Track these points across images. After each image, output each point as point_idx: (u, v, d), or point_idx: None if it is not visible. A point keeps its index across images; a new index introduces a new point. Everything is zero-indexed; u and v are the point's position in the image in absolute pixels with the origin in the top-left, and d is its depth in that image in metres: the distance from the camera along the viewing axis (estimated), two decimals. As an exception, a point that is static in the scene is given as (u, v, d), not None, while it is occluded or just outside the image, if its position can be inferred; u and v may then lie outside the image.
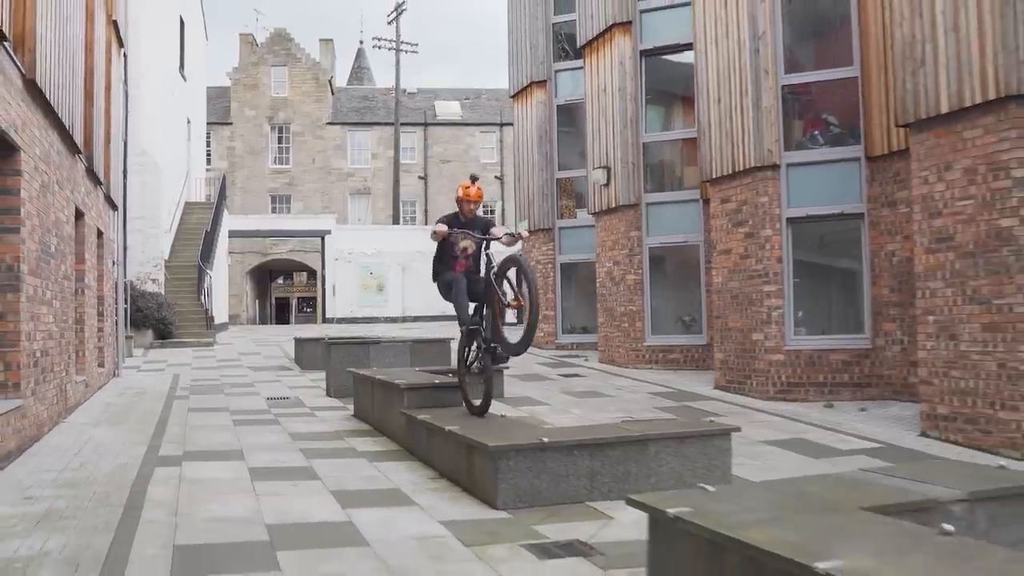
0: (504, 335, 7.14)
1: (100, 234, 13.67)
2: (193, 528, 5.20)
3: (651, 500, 3.60)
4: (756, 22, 11.71)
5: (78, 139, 10.53)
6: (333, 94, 50.84)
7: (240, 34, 52.14)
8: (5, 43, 6.89)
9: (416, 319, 35.84)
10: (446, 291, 7.55)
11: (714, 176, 12.55)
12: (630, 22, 15.32)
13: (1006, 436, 8.02)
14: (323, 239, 37.18)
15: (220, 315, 28.38)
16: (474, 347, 7.36)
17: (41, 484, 6.29)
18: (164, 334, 21.77)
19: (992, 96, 8.04)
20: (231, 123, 48.41)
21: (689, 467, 6.24)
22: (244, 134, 48.51)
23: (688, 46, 13.88)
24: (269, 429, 9.21)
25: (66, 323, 9.97)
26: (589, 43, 16.42)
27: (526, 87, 20.09)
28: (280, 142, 49.09)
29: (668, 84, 16.11)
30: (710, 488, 3.80)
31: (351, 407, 10.47)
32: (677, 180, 15.94)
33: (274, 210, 47.56)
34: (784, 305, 11.45)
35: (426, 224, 46.09)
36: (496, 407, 8.14)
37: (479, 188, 7.56)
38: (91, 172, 12.14)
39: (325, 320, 37.11)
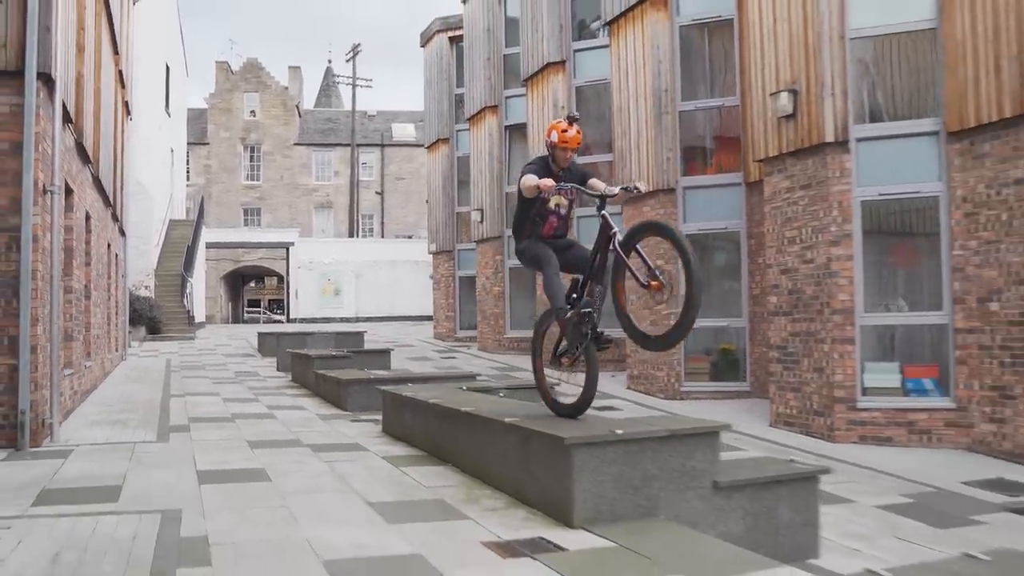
0: (636, 324, 5.53)
1: (116, 256, 19.46)
2: (195, 414, 11.02)
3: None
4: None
5: (110, 197, 16.34)
6: (300, 117, 56.60)
7: (216, 62, 57.84)
8: (89, 165, 12.76)
9: (368, 319, 41.73)
10: (531, 262, 6.05)
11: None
12: (496, 106, 21.31)
13: (659, 386, 14.08)
14: (287, 249, 43.04)
15: (199, 315, 34.17)
16: (577, 337, 5.68)
17: (112, 403, 12.10)
18: (154, 330, 27.49)
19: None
20: (208, 143, 54.05)
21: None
22: (219, 153, 54.19)
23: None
24: (235, 385, 15.01)
25: (105, 320, 15.81)
26: (472, 117, 22.43)
27: (435, 142, 26.21)
28: (252, 160, 54.79)
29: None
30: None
31: (290, 376, 16.32)
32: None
33: (246, 222, 53.29)
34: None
35: (383, 236, 52.19)
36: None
37: (579, 132, 5.81)
38: (114, 216, 17.95)
39: (290, 320, 42.94)
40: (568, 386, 6.13)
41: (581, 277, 5.75)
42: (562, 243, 6.00)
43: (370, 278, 42.89)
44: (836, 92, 10.74)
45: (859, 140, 10.73)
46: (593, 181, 5.82)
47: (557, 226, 6.00)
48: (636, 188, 5.74)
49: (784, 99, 11.05)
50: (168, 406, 11.57)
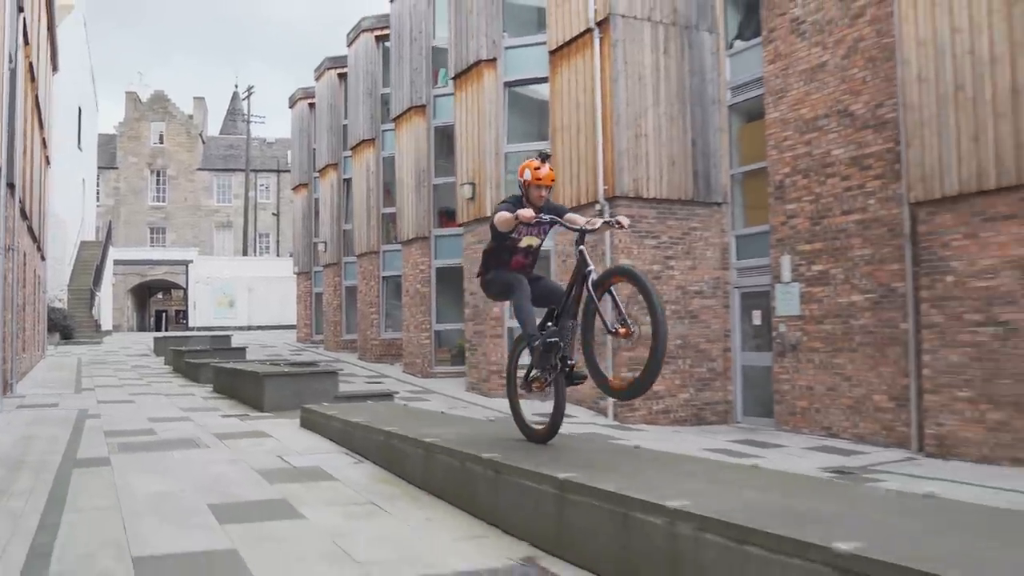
0: (600, 367, 5.42)
1: (38, 277, 25.61)
2: (98, 384, 17.43)
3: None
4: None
5: (37, 235, 22.58)
6: (204, 143, 62.48)
7: (126, 92, 63.15)
8: (26, 220, 19.11)
9: (259, 328, 47.93)
10: (500, 292, 5.92)
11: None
12: (423, 105, 26.52)
13: (418, 369, 20.92)
14: (187, 266, 49.08)
15: (106, 324, 40.08)
16: (545, 367, 5.54)
17: (42, 380, 18.45)
18: (67, 336, 33.36)
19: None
20: (117, 168, 59.56)
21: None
22: (128, 177, 59.77)
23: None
24: (129, 372, 21.37)
25: (32, 325, 22.09)
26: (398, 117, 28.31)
27: (297, 186, 32.84)
28: (158, 184, 60.48)
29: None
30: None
31: (172, 367, 22.71)
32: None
33: (152, 240, 58.97)
34: (379, 312, 24.27)
35: (278, 254, 58.38)
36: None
37: (552, 169, 5.67)
38: (38, 248, 24.17)
39: (189, 328, 48.90)
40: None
41: (555, 308, 5.62)
42: (529, 276, 5.79)
43: (261, 291, 49.18)
44: (494, 186, 17.77)
45: (509, 215, 17.75)
46: (571, 215, 5.63)
47: (524, 264, 5.81)
48: (618, 222, 5.47)
49: (467, 189, 18.05)
50: (80, 380, 17.97)
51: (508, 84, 18.43)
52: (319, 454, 7.79)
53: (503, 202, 5.81)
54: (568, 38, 16.48)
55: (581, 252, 5.39)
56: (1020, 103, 11.06)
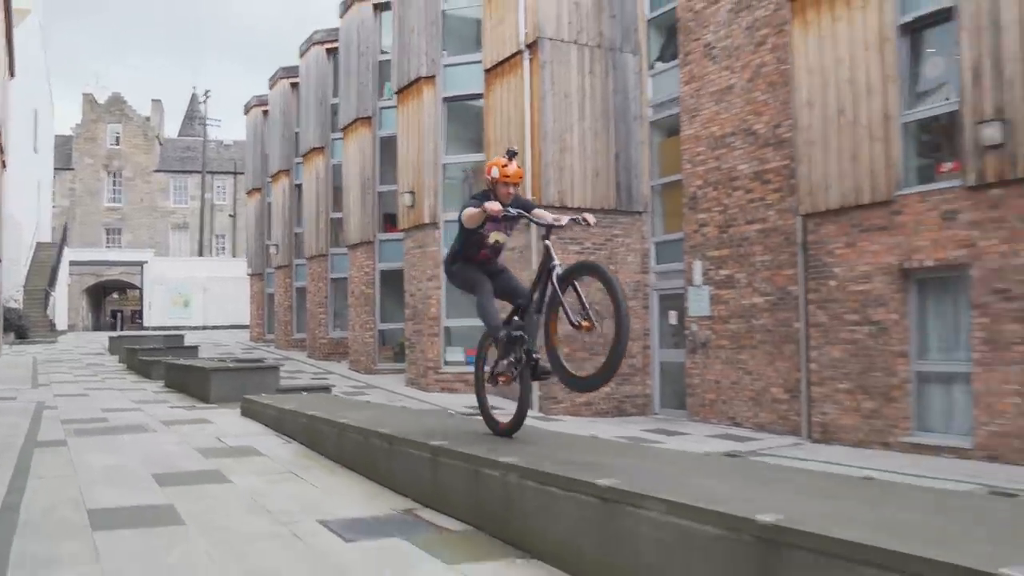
0: (565, 363, 5.44)
1: (-5, 279, 26.31)
2: (54, 380, 18.33)
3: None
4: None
5: (-5, 240, 23.32)
6: (161, 145, 62.95)
7: (83, 93, 63.40)
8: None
9: (214, 327, 48.61)
10: (463, 286, 6.05)
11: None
12: (369, 116, 28.25)
13: (364, 366, 22.01)
14: (143, 267, 49.65)
15: (61, 323, 40.64)
16: (510, 359, 5.68)
17: (1, 379, 19.29)
18: (22, 336, 33.95)
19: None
20: (73, 169, 59.88)
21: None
22: (84, 178, 60.11)
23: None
24: (86, 371, 22.19)
25: (-9, 324, 22.84)
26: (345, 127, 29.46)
27: (251, 190, 33.77)
28: (114, 185, 60.87)
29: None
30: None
31: (126, 365, 23.56)
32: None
33: (108, 241, 59.36)
34: (327, 312, 25.30)
35: (234, 255, 58.98)
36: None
37: (519, 167, 5.73)
38: (-4, 251, 24.90)
39: (144, 328, 49.47)
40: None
41: (520, 303, 5.71)
42: (493, 268, 5.90)
43: (216, 291, 49.88)
44: (432, 194, 18.92)
45: (447, 222, 18.89)
46: (538, 211, 5.67)
47: (488, 258, 5.87)
48: (585, 220, 5.51)
49: (408, 198, 19.18)
50: (37, 377, 18.84)
51: (447, 99, 19.63)
52: (253, 436, 8.88)
53: (472, 198, 5.84)
54: (501, 58, 17.69)
55: (547, 247, 5.46)
56: (890, 128, 12.43)
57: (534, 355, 5.56)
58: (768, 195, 14.83)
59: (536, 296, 5.56)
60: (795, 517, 3.09)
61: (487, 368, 6.13)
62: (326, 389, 13.82)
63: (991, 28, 11.17)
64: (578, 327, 5.17)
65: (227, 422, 10.27)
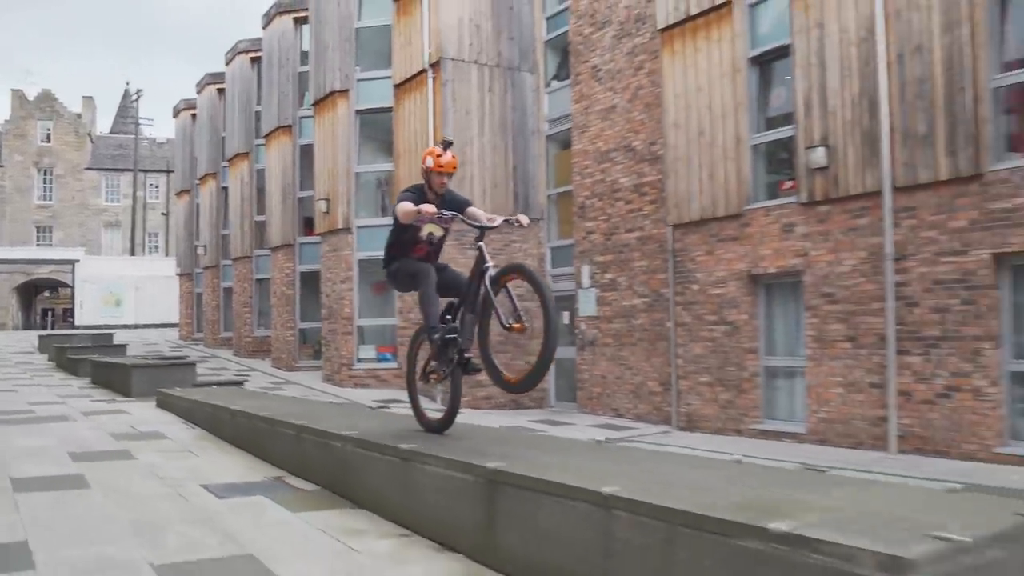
0: (496, 362, 5.48)
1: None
2: (-16, 377, 19.27)
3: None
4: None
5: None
6: (93, 142, 63.08)
7: (12, 90, 63.24)
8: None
9: (146, 326, 49.20)
10: (406, 282, 5.91)
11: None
12: (290, 125, 29.78)
13: (285, 363, 23.24)
14: (74, 266, 50.04)
15: (-9, 322, 41.02)
16: (442, 359, 5.73)
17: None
18: (-48, 334, 34.58)
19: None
20: (2, 166, 59.82)
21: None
22: (13, 175, 60.06)
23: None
24: (15, 369, 23.05)
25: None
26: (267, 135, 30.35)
27: (180, 192, 34.71)
28: (45, 183, 60.90)
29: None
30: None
31: (55, 363, 24.43)
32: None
33: (39, 239, 59.41)
34: (252, 312, 26.45)
35: (167, 254, 59.41)
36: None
37: (454, 156, 5.73)
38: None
39: (76, 327, 49.85)
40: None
41: (454, 302, 5.73)
42: (434, 264, 5.85)
43: (149, 290, 50.45)
44: (346, 201, 20.24)
45: (359, 227, 20.23)
46: (473, 210, 5.64)
47: (427, 252, 5.87)
48: (518, 221, 5.56)
49: (323, 204, 20.47)
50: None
51: (359, 112, 20.94)
52: (164, 424, 10.14)
53: (405, 191, 5.80)
54: (409, 75, 19.08)
55: (481, 248, 5.46)
56: (741, 149, 14.06)
57: (466, 355, 5.62)
58: (645, 206, 16.41)
59: (470, 296, 5.61)
60: (515, 466, 4.51)
61: (419, 365, 6.19)
62: (239, 384, 15.08)
63: (818, 65, 12.83)
64: (509, 329, 5.25)
65: (142, 413, 11.49)
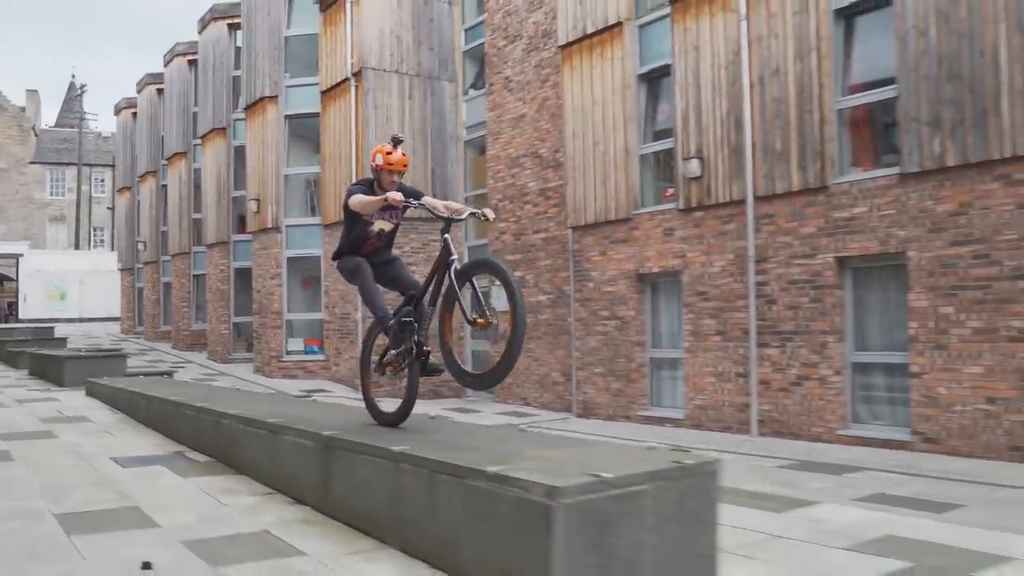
0: (457, 359, 5.56)
1: None
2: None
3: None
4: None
5: None
6: (37, 136, 63.13)
7: (-47, 83, 63.26)
8: None
9: (91, 319, 49.66)
10: (348, 275, 5.87)
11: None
12: (224, 127, 30.51)
13: (220, 356, 24.26)
14: (18, 259, 50.33)
15: (-67, 316, 41.36)
16: (399, 349, 5.60)
17: None
18: None
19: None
20: (-55, 160, 59.77)
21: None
22: (-44, 170, 60.03)
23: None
24: (-46, 359, 23.85)
25: None
26: (203, 136, 31.62)
27: (122, 189, 35.40)
28: (-12, 176, 60.92)
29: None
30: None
31: (-6, 354, 25.17)
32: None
33: (-19, 233, 59.44)
34: (189, 306, 27.39)
35: (112, 248, 59.63)
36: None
37: (404, 154, 5.59)
38: None
39: (19, 321, 50.17)
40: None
41: (413, 293, 5.59)
42: (381, 258, 5.84)
43: (93, 285, 50.86)
44: (275, 202, 21.33)
45: (288, 226, 21.33)
46: (429, 199, 5.54)
47: (377, 248, 5.81)
48: (484, 215, 5.49)
49: (254, 204, 21.53)
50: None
51: (288, 117, 22.04)
52: (89, 410, 11.21)
53: (354, 184, 5.68)
54: (334, 83, 20.21)
55: (446, 240, 5.39)
56: (630, 160, 15.41)
57: (425, 348, 5.55)
58: (549, 209, 17.71)
59: (432, 288, 5.52)
60: (347, 433, 5.73)
61: (375, 357, 6.07)
62: (168, 374, 16.13)
63: (695, 84, 14.21)
64: (473, 323, 5.24)
65: (72, 400, 12.53)
